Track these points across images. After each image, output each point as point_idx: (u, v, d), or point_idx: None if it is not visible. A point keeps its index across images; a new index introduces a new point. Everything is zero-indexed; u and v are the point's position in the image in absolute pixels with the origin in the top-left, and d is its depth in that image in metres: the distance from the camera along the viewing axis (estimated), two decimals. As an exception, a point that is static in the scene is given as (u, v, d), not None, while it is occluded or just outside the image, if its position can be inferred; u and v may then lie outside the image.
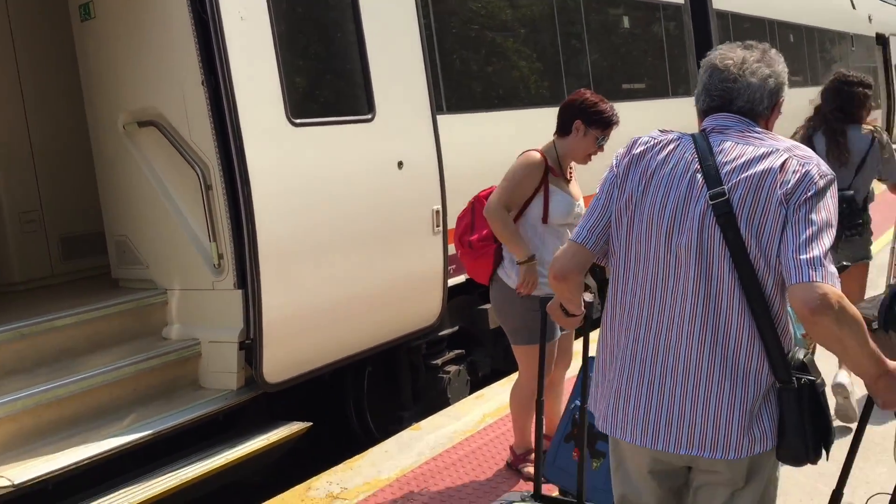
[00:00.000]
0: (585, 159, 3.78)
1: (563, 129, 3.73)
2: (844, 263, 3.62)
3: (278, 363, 4.12)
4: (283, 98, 4.11)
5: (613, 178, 2.13)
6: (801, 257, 1.84)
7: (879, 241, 7.92)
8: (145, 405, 4.04)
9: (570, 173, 3.86)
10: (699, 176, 1.98)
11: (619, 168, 2.12)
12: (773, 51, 2.12)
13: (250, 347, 4.06)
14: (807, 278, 1.82)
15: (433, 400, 5.29)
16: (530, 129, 6.07)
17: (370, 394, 5.08)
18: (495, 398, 4.95)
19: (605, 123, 3.67)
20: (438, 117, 5.11)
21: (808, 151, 2.01)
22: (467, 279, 5.46)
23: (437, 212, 5.01)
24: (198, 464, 3.83)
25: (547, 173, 3.69)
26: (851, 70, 4.93)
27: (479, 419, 4.66)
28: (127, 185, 4.49)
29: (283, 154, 4.13)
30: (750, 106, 2.05)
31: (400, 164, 4.74)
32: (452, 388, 5.36)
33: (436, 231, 5.02)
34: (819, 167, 1.96)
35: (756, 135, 2.03)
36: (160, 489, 3.64)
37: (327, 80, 4.64)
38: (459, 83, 5.57)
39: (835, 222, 1.94)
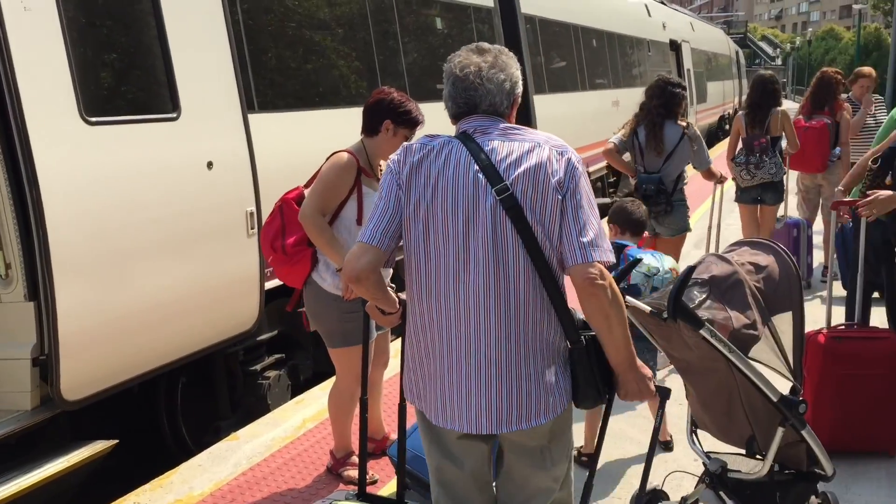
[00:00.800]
0: None
1: (371, 128, 3.72)
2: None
3: (78, 379, 3.84)
4: (75, 94, 3.83)
5: (398, 186, 2.27)
6: (583, 240, 2.16)
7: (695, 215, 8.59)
8: (-79, 433, 3.64)
9: (381, 173, 3.87)
10: (481, 175, 2.19)
11: (401, 176, 2.27)
12: (505, 54, 2.34)
13: (45, 363, 3.76)
14: (589, 258, 2.15)
15: (253, 407, 5.14)
16: (347, 128, 6.03)
17: (185, 405, 4.86)
18: (315, 402, 4.88)
19: (413, 123, 3.70)
20: (251, 116, 4.96)
21: (560, 140, 2.29)
22: (285, 282, 5.37)
23: (252, 213, 4.87)
24: (-14, 493, 3.51)
25: (359, 174, 3.67)
26: (671, 76, 5.80)
27: (298, 425, 4.58)
28: None
29: (78, 154, 3.85)
30: (493, 108, 2.29)
31: (209, 165, 4.56)
32: (273, 394, 5.23)
33: (250, 233, 4.87)
34: (573, 153, 2.27)
35: (515, 131, 2.28)
36: (-59, 525, 3.30)
37: (126, 76, 4.38)
38: (272, 81, 5.43)
39: (594, 198, 2.28)
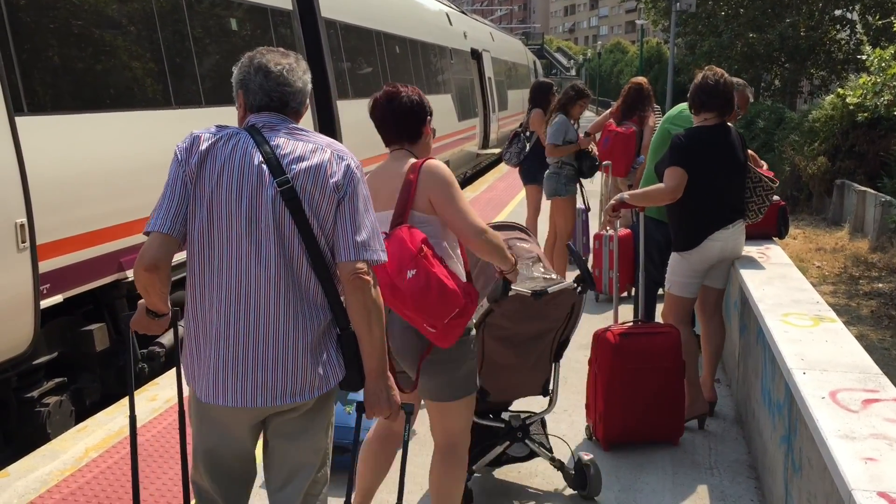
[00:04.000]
0: None
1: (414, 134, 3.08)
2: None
3: None
4: None
5: (184, 172, 2.33)
6: (357, 239, 2.32)
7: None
8: None
9: None
10: (265, 167, 2.32)
11: (188, 163, 2.33)
12: (303, 61, 2.52)
13: None
14: (359, 256, 2.31)
15: (30, 437, 4.68)
16: (138, 132, 5.65)
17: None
18: (100, 429, 4.50)
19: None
20: (20, 119, 4.52)
21: (342, 146, 2.44)
22: (66, 299, 4.93)
23: (22, 226, 4.43)
24: None
25: None
26: (580, 83, 7.33)
27: (80, 455, 4.19)
28: None
29: None
30: (296, 107, 2.46)
31: (-36, 172, 4.09)
32: (53, 422, 4.80)
33: (21, 247, 4.42)
34: (353, 159, 2.41)
35: (300, 132, 2.41)
36: None
37: None
38: (46, 81, 4.97)
39: (370, 201, 2.42)
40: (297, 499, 2.46)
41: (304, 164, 2.32)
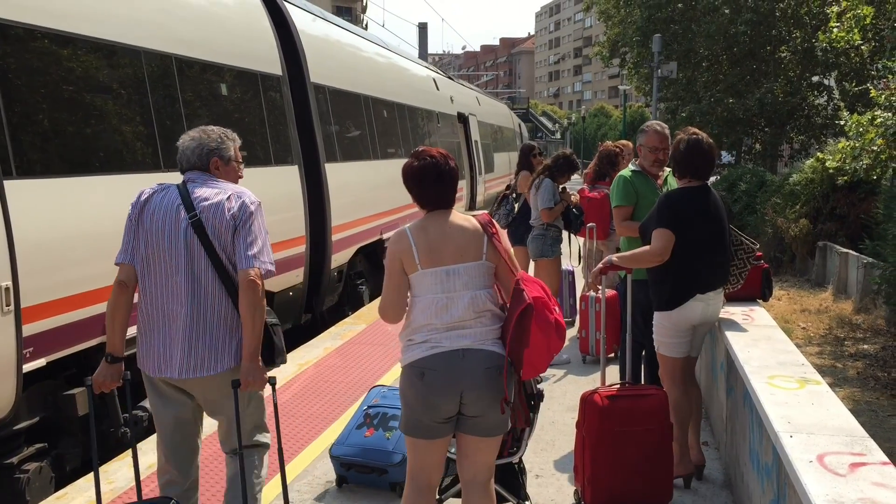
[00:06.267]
0: None
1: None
2: None
3: None
4: None
5: (131, 217, 3.39)
6: (248, 253, 3.27)
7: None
8: None
9: None
10: (182, 208, 3.34)
11: (134, 210, 3.39)
12: (211, 128, 3.53)
13: None
14: (249, 265, 3.26)
15: (8, 506, 4.58)
16: (126, 196, 5.66)
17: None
18: (80, 496, 4.41)
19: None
20: (7, 182, 4.53)
21: (244, 190, 3.42)
22: (49, 363, 4.88)
23: (7, 289, 4.41)
24: None
25: None
26: (572, 153, 7.57)
27: (59, 523, 4.11)
28: None
29: None
30: (194, 162, 3.47)
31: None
32: (32, 488, 4.70)
33: (5, 311, 4.40)
34: (249, 197, 3.38)
35: (212, 182, 3.45)
36: None
37: None
38: (34, 145, 4.99)
39: (265, 229, 3.38)
40: (241, 440, 3.35)
41: (207, 202, 3.32)
